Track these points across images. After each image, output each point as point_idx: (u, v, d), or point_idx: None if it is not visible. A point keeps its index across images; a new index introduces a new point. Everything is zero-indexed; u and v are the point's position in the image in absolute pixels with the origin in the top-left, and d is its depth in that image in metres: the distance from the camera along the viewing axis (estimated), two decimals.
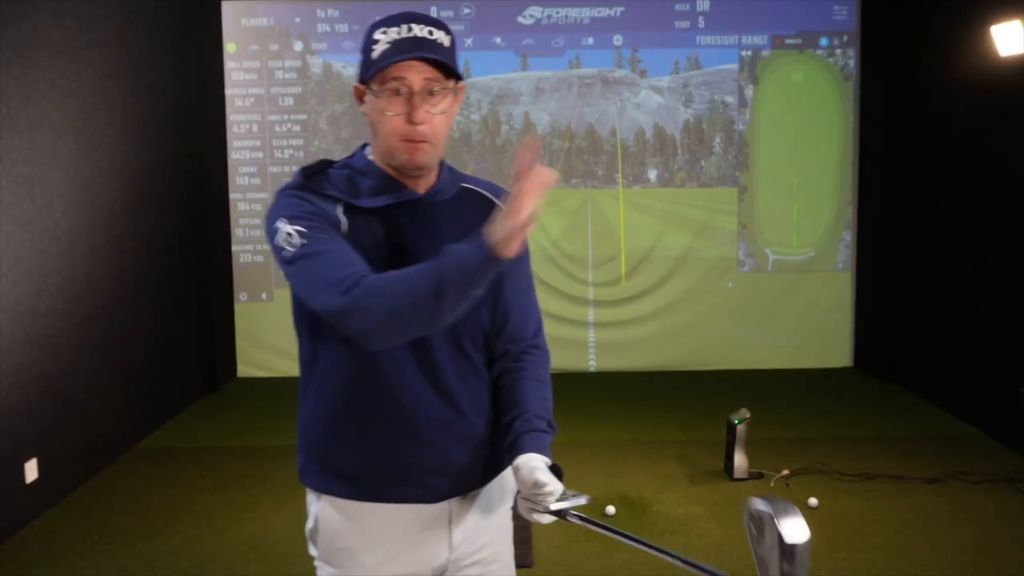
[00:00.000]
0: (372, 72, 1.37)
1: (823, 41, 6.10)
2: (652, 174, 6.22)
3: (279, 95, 6.09)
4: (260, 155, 6.12)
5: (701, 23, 6.08)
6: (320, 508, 1.50)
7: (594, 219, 6.21)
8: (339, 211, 1.42)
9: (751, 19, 6.07)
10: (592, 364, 6.23)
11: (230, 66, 6.03)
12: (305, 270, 1.36)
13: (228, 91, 6.03)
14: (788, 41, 6.09)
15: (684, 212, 6.24)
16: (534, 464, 1.42)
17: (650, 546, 1.30)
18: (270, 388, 5.89)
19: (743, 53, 6.11)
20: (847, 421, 5.01)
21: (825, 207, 6.22)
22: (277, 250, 1.39)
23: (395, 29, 1.37)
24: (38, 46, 3.76)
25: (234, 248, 6.14)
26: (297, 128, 6.12)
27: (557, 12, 6.07)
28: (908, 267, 5.65)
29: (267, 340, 6.15)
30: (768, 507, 1.12)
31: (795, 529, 1.08)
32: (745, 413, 4.02)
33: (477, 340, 1.52)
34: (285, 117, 6.11)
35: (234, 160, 6.10)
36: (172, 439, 4.83)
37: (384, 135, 1.41)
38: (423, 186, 1.48)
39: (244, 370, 6.18)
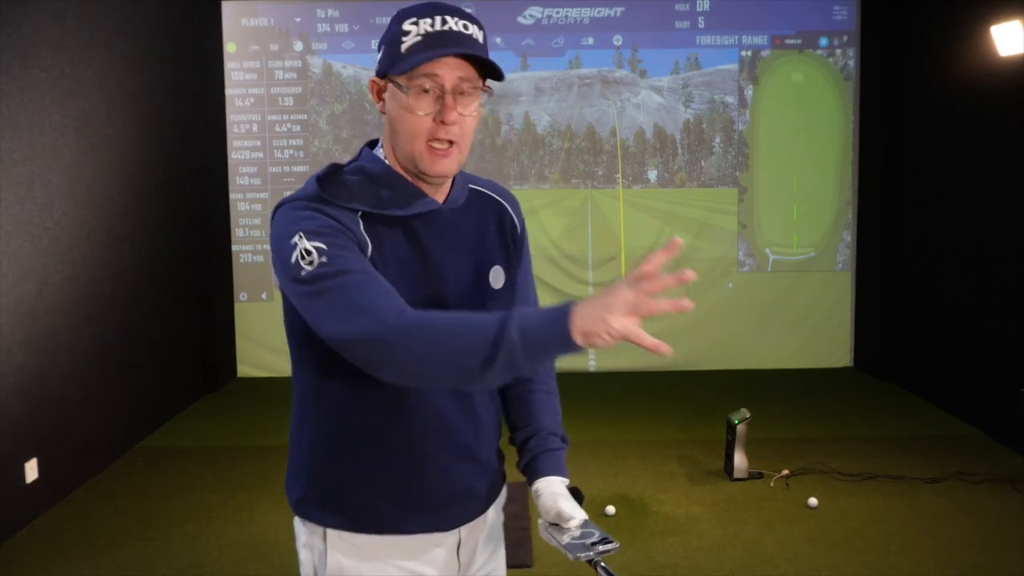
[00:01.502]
0: (403, 68, 1.26)
1: (823, 41, 6.10)
2: (652, 174, 6.22)
3: (279, 95, 6.09)
4: (260, 155, 6.12)
5: (701, 23, 6.08)
6: (327, 544, 1.40)
7: (594, 219, 6.21)
8: (361, 226, 1.29)
9: (751, 19, 6.07)
10: (592, 364, 6.23)
11: (230, 66, 6.03)
12: (326, 291, 1.20)
13: (228, 91, 6.03)
14: (788, 41, 6.09)
15: (684, 212, 6.24)
16: (555, 490, 1.41)
17: None
18: (270, 388, 5.90)
19: (743, 53, 6.11)
20: (847, 421, 5.01)
21: (825, 207, 6.22)
22: (290, 269, 1.22)
23: (427, 20, 1.26)
24: (38, 46, 3.76)
25: (234, 248, 6.14)
26: (297, 128, 6.12)
27: (557, 12, 6.07)
28: (908, 267, 5.65)
29: (267, 340, 6.15)
30: None
31: None
32: (745, 413, 4.02)
33: None
34: (285, 117, 6.11)
35: (234, 160, 6.10)
36: (172, 439, 4.83)
37: (408, 135, 1.29)
38: (442, 194, 1.37)
39: (244, 370, 6.18)
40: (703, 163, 6.21)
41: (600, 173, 6.20)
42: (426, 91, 1.26)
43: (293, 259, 1.22)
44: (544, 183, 6.17)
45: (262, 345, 6.16)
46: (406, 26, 1.27)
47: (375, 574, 1.40)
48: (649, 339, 1.06)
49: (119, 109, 4.53)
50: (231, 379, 6.09)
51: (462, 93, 1.28)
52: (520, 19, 6.06)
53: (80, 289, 4.09)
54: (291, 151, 6.13)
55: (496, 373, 1.13)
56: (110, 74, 4.43)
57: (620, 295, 1.07)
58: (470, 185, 1.45)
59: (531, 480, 1.46)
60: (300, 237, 1.22)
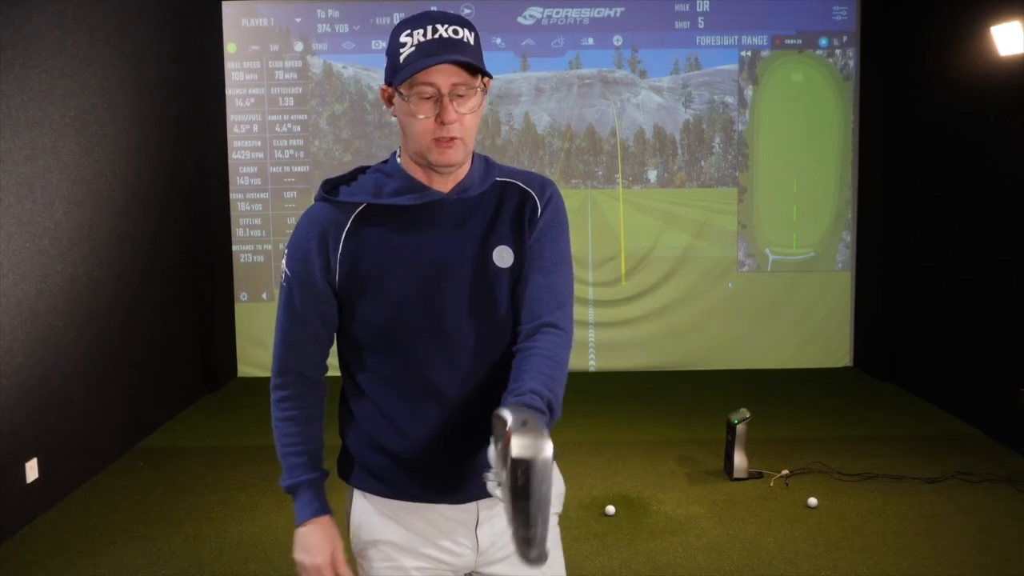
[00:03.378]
0: (402, 77, 1.36)
1: (823, 41, 6.10)
2: (652, 174, 6.22)
3: (279, 95, 6.10)
4: (260, 155, 6.12)
5: (701, 23, 6.08)
6: (352, 502, 1.56)
7: (594, 219, 6.21)
8: (345, 230, 1.45)
9: (751, 19, 6.07)
10: (592, 364, 6.23)
11: (230, 66, 6.04)
12: (277, 315, 1.53)
13: (228, 91, 6.03)
14: (788, 41, 6.09)
15: (684, 212, 6.24)
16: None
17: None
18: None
19: (743, 53, 6.11)
20: (847, 421, 5.01)
21: (825, 207, 6.22)
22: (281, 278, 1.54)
23: (420, 31, 1.35)
24: (39, 46, 3.77)
25: (234, 248, 6.14)
26: (297, 128, 6.12)
27: (557, 12, 6.07)
28: (908, 267, 5.65)
29: (267, 340, 6.11)
30: (508, 417, 1.08)
31: (525, 446, 1.05)
32: (745, 413, 4.02)
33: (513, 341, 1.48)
34: (285, 117, 6.11)
35: (234, 160, 6.10)
36: (172, 439, 4.83)
37: (415, 136, 1.41)
38: (450, 184, 1.47)
39: (244, 370, 6.18)
40: (703, 163, 6.21)
41: (600, 173, 6.20)
42: (427, 97, 1.37)
43: (280, 270, 1.54)
44: None
45: (262, 345, 6.15)
46: (402, 38, 1.37)
47: (388, 535, 1.51)
48: None
49: (119, 109, 4.53)
50: (231, 379, 6.09)
51: (460, 95, 1.37)
52: (520, 19, 6.06)
53: (81, 289, 4.10)
54: (291, 151, 6.13)
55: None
56: (110, 74, 4.43)
57: (327, 560, 1.51)
58: (498, 178, 1.52)
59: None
60: (285, 255, 1.51)
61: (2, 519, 3.44)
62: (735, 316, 6.24)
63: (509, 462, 1.05)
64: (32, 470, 3.64)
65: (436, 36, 1.34)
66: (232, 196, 6.11)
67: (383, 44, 6.08)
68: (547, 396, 1.31)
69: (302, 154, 6.13)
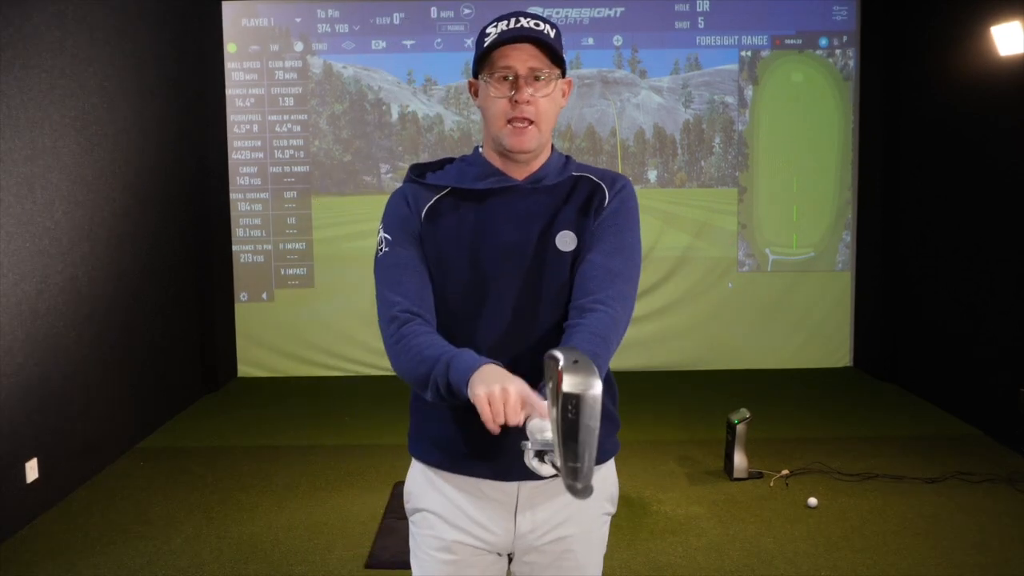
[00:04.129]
0: (481, 59, 1.46)
1: (823, 41, 6.10)
2: (652, 174, 6.22)
3: (279, 95, 6.10)
4: (260, 155, 6.12)
5: (701, 23, 6.08)
6: (409, 469, 1.65)
7: None
8: (430, 203, 1.53)
9: (751, 19, 6.07)
10: None
11: (230, 66, 6.04)
12: (378, 275, 1.53)
13: (228, 91, 6.03)
14: (788, 41, 6.09)
15: (684, 212, 6.24)
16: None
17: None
18: (270, 388, 5.90)
19: (743, 53, 6.11)
20: (847, 421, 5.01)
21: (825, 207, 6.22)
22: (378, 245, 1.57)
23: (504, 22, 1.46)
24: (39, 46, 3.77)
25: (234, 248, 6.14)
26: (297, 128, 6.12)
27: (557, 12, 6.07)
28: (908, 267, 5.65)
29: (267, 340, 6.15)
30: (560, 356, 1.13)
31: (577, 383, 1.11)
32: (745, 413, 4.02)
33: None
34: (285, 117, 6.11)
35: (234, 160, 6.10)
36: (172, 439, 4.83)
37: (492, 119, 1.49)
38: (525, 172, 1.55)
39: (244, 370, 6.18)
40: (703, 163, 6.21)
41: None
42: (506, 79, 1.46)
43: (376, 242, 1.56)
44: None
45: (262, 345, 6.16)
46: (488, 29, 1.48)
47: (432, 505, 1.57)
48: (490, 424, 1.24)
49: (119, 109, 4.53)
50: (231, 379, 6.09)
51: (537, 79, 1.46)
52: None
53: (81, 289, 4.10)
54: (291, 151, 6.13)
55: (430, 396, 1.40)
56: (110, 74, 4.43)
57: (515, 387, 1.25)
58: (574, 172, 1.59)
59: None
60: (382, 224, 1.56)
61: (2, 519, 3.44)
62: (735, 316, 6.24)
63: (560, 398, 1.11)
64: (32, 470, 3.64)
65: (518, 26, 1.45)
66: (232, 196, 6.11)
67: (383, 44, 6.10)
68: None
69: (302, 154, 6.13)
